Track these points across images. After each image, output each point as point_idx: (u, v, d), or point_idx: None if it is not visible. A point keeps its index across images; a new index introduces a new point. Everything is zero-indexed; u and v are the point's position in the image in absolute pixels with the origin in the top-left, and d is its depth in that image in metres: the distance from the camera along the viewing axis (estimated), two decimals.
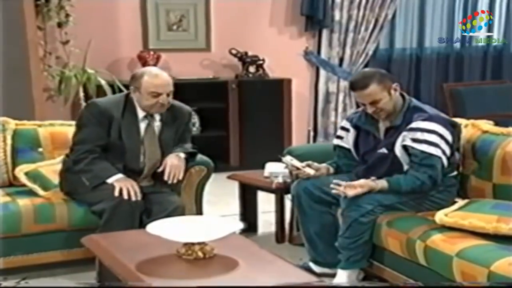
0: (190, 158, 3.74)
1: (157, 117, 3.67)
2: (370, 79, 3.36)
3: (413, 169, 3.33)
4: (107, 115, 3.56)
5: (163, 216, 3.24)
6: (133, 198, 3.42)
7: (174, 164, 3.58)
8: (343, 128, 3.70)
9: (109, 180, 3.50)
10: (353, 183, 3.32)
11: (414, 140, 3.32)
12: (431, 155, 3.28)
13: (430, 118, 3.34)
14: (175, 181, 3.59)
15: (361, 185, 3.31)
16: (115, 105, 3.62)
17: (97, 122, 3.56)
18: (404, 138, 3.35)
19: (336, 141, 3.74)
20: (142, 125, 3.63)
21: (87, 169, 3.53)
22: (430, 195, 3.38)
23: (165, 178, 3.56)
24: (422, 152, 3.29)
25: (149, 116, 3.64)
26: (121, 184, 3.46)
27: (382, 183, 3.33)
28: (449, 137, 3.35)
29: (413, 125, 3.34)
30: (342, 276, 3.40)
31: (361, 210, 3.29)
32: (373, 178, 3.35)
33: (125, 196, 3.41)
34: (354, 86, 3.41)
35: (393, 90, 3.40)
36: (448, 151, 3.34)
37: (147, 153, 3.63)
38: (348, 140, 3.65)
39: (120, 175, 3.52)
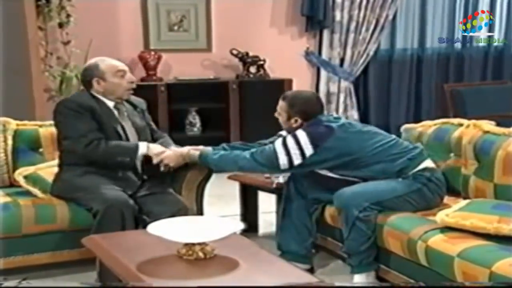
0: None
1: (123, 107, 3.70)
2: (289, 97, 3.72)
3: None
4: (86, 107, 3.54)
5: (166, 216, 3.22)
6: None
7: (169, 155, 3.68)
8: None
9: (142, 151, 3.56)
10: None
11: None
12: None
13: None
14: (162, 168, 3.65)
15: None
16: (86, 98, 3.60)
17: (80, 115, 3.52)
18: None
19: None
20: (116, 114, 3.66)
21: (112, 149, 3.51)
22: (410, 191, 3.40)
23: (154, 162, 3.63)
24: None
25: (119, 104, 3.66)
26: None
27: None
28: (299, 139, 3.48)
29: None
30: (359, 279, 3.39)
31: (359, 207, 3.31)
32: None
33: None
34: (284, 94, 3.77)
35: (293, 120, 3.64)
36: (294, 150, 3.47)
37: (131, 139, 3.66)
38: None
39: (145, 143, 3.60)
